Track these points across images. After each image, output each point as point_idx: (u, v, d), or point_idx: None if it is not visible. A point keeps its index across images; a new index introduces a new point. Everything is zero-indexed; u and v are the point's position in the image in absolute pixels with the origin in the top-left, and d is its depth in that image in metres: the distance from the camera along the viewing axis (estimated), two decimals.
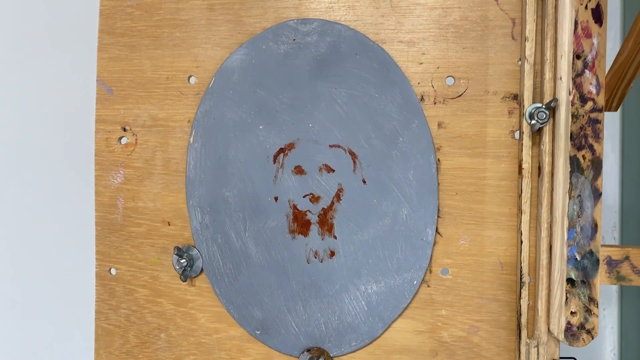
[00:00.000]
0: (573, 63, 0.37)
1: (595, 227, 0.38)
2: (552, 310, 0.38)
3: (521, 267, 0.40)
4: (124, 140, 0.48)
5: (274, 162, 0.45)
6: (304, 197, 0.44)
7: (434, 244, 0.42)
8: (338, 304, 0.43)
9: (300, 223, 0.44)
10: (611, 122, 0.78)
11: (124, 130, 0.48)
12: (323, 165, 0.44)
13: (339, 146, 0.43)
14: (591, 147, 0.38)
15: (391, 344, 0.43)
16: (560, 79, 0.37)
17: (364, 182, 0.43)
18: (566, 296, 0.38)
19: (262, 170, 0.45)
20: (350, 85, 0.43)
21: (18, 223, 0.79)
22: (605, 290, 0.81)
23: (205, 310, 0.47)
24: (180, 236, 0.47)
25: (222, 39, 0.46)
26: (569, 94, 0.37)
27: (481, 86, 0.41)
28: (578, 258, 0.38)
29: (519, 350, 0.39)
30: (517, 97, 0.41)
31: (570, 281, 0.38)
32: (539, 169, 0.39)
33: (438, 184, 0.42)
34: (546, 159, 0.38)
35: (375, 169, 0.43)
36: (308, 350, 0.43)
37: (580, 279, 0.38)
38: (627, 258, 0.39)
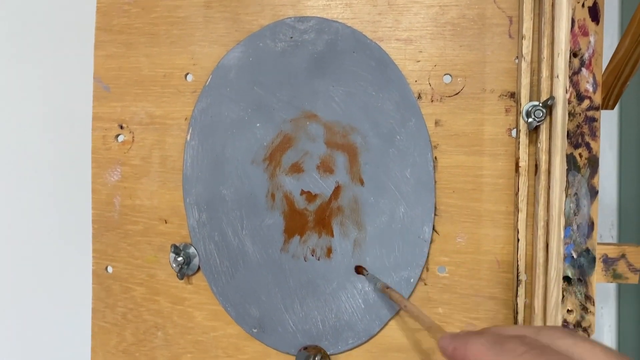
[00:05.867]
0: (570, 61, 0.37)
1: (591, 225, 0.38)
2: (548, 308, 0.38)
3: (518, 265, 0.40)
4: (120, 138, 0.48)
5: (271, 160, 0.45)
6: (301, 194, 0.44)
7: (431, 242, 0.42)
8: (335, 302, 0.43)
9: (297, 221, 0.44)
10: (608, 120, 0.78)
11: (121, 127, 0.48)
12: (320, 163, 0.44)
13: (336, 144, 0.43)
14: (588, 145, 0.38)
15: (388, 341, 0.43)
16: (557, 77, 0.37)
17: (361, 180, 0.43)
18: (562, 294, 0.38)
19: (259, 168, 0.45)
20: (347, 83, 0.43)
21: (14, 221, 0.79)
22: (604, 289, 0.81)
23: (202, 308, 0.47)
24: (177, 234, 0.47)
25: (220, 36, 0.46)
26: (566, 92, 0.37)
27: (478, 84, 0.41)
28: (574, 256, 0.38)
29: None
30: (514, 95, 0.41)
31: (566, 279, 0.38)
32: (536, 167, 0.39)
33: (435, 182, 0.42)
34: (543, 157, 0.38)
35: (373, 167, 0.43)
36: (305, 348, 0.43)
37: (577, 277, 0.38)
38: (623, 256, 0.39)
